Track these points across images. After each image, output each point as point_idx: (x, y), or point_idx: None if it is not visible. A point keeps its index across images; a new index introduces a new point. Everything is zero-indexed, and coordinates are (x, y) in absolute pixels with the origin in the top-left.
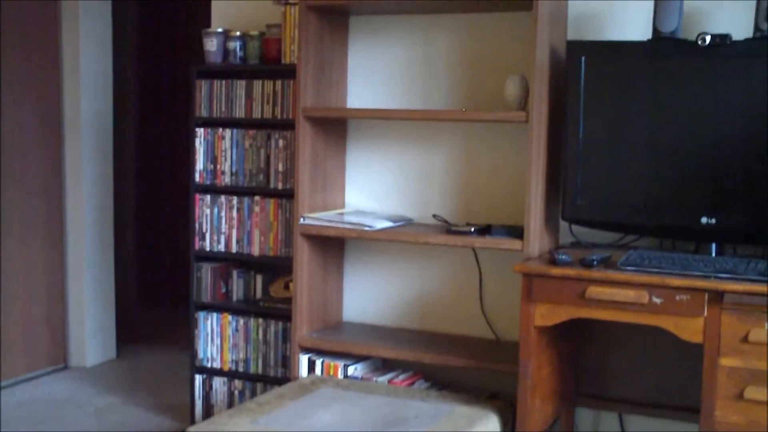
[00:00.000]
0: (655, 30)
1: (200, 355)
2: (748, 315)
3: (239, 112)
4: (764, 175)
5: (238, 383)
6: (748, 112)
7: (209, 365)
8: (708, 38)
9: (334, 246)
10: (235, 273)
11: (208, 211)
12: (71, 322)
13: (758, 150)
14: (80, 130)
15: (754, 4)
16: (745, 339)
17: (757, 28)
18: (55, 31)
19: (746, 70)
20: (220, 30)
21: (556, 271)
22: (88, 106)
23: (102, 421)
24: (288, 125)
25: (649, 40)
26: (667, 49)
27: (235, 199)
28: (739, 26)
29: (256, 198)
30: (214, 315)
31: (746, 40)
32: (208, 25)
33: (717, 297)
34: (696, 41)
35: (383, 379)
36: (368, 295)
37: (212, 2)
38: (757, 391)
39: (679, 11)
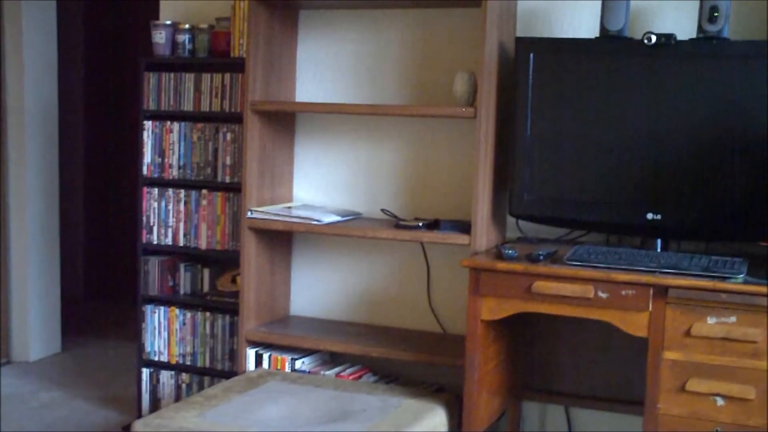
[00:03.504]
0: (602, 28)
1: (147, 348)
2: (692, 309)
3: (187, 105)
4: (708, 172)
5: (185, 377)
6: (692, 110)
7: (156, 359)
8: (653, 37)
9: (281, 240)
10: (182, 266)
11: (155, 204)
12: (14, 316)
13: (702, 147)
14: (24, 121)
15: (697, 5)
16: (687, 333)
17: (700, 28)
18: None
19: (690, 69)
20: (168, 22)
21: (503, 265)
22: (32, 96)
23: (46, 416)
24: (236, 119)
25: (596, 38)
26: (613, 47)
27: (182, 193)
28: (684, 27)
29: (204, 191)
30: (162, 308)
31: (690, 40)
32: (157, 16)
33: (662, 292)
34: (642, 40)
35: (331, 372)
36: (316, 289)
37: None
38: (698, 384)
39: (626, 10)
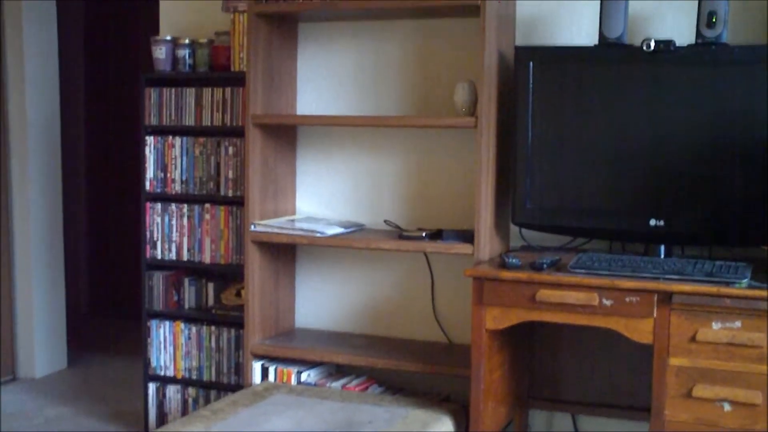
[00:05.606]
0: (601, 35)
1: (153, 363)
2: (696, 315)
3: (189, 120)
4: (710, 177)
5: (191, 391)
6: (693, 116)
7: (162, 373)
8: (652, 44)
9: (285, 253)
10: (186, 281)
11: (158, 219)
12: (19, 333)
13: (704, 153)
14: (26, 135)
15: (695, 11)
16: (693, 339)
17: (699, 34)
18: None
19: (690, 75)
20: (168, 38)
21: (507, 274)
22: (34, 110)
23: None
24: (238, 132)
25: (595, 45)
26: (613, 54)
27: (185, 207)
28: (682, 32)
29: (207, 206)
30: (167, 323)
31: (689, 46)
32: (157, 29)
33: (666, 298)
34: (641, 47)
35: (337, 384)
36: (321, 301)
37: (160, 9)
38: (704, 389)
39: (625, 17)
